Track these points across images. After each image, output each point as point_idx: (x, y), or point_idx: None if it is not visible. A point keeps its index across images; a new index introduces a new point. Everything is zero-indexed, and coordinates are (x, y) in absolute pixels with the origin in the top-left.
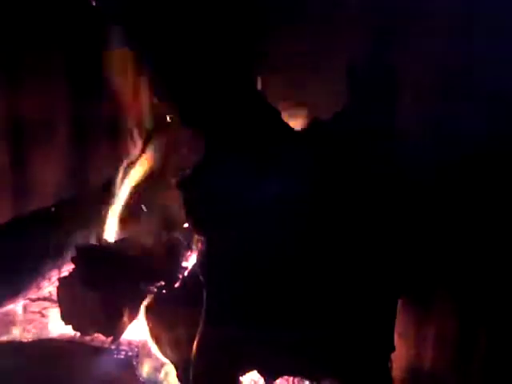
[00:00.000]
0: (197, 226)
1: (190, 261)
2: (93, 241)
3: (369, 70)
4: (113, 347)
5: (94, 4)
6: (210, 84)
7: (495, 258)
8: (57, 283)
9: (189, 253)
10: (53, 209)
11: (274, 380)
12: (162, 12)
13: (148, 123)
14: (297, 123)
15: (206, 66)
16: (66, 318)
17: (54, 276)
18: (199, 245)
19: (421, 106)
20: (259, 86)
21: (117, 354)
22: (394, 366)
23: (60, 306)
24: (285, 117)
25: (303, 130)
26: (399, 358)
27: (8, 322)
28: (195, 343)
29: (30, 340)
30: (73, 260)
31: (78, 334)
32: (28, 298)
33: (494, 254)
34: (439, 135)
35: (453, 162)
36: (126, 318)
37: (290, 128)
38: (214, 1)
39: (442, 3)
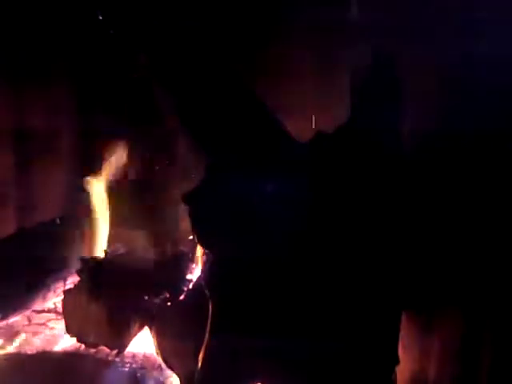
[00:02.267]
0: (202, 239)
1: (195, 273)
2: (98, 253)
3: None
4: (117, 359)
5: (100, 17)
6: (214, 100)
7: (499, 270)
8: (62, 295)
9: (193, 265)
10: (58, 221)
11: None
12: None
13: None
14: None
15: (211, 84)
16: (71, 330)
17: (60, 288)
18: (204, 257)
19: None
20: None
21: (121, 367)
22: (399, 378)
23: (65, 318)
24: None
25: (306, 141)
26: (403, 371)
27: (13, 333)
28: (200, 355)
29: (34, 352)
30: (78, 272)
31: (83, 346)
32: (33, 310)
33: (498, 266)
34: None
35: (458, 171)
36: (130, 331)
37: (293, 139)
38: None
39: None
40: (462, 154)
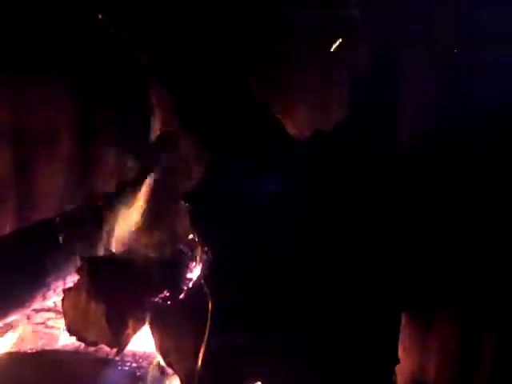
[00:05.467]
0: (202, 238)
1: (195, 272)
2: (98, 252)
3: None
4: (117, 358)
5: (100, 17)
6: (214, 99)
7: (499, 270)
8: (62, 294)
9: (193, 264)
10: (57, 220)
11: None
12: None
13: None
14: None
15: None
16: (71, 328)
17: (59, 287)
18: (204, 256)
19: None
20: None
21: (121, 366)
22: (398, 378)
23: (65, 317)
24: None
25: (306, 141)
26: (403, 371)
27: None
28: (200, 354)
29: (34, 351)
30: (78, 271)
31: (83, 345)
32: (32, 309)
33: (497, 266)
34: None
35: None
36: (130, 330)
37: (293, 139)
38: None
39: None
40: (461, 153)
